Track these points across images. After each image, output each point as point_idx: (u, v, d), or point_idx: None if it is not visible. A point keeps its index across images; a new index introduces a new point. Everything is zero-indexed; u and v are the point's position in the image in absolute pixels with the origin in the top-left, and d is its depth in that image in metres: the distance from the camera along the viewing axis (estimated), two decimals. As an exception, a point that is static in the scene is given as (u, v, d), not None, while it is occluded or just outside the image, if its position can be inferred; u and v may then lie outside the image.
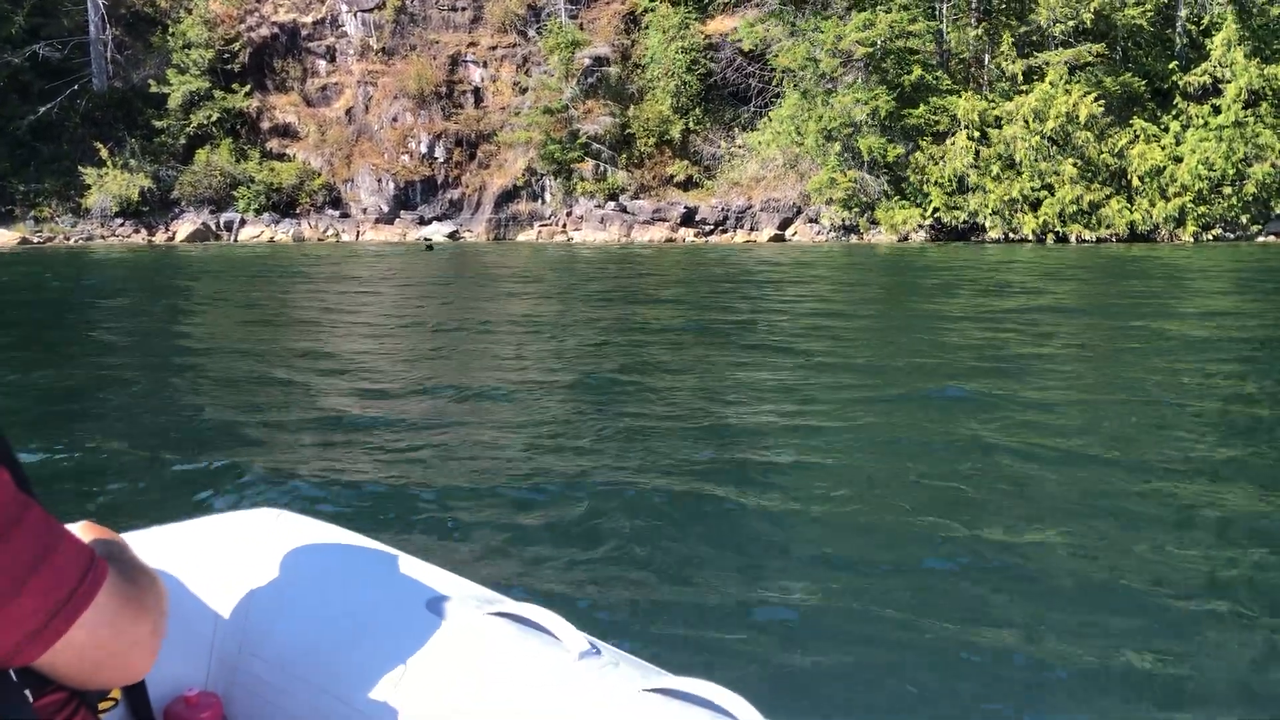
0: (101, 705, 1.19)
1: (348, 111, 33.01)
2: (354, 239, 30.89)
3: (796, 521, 4.68)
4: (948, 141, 30.04)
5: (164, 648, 1.13)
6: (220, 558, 1.64)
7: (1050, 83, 29.76)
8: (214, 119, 31.51)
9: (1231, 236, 30.04)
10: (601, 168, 31.49)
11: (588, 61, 32.25)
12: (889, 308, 14.36)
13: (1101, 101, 29.45)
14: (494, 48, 33.58)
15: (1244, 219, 30.16)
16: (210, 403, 7.48)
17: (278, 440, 6.23)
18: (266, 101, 32.88)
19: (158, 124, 31.16)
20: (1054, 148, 29.52)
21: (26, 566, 0.98)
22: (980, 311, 13.05)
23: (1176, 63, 31.77)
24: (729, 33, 32.53)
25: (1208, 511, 4.76)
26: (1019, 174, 29.52)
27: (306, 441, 6.18)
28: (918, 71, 30.15)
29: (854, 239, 29.80)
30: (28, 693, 1.02)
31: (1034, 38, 31.45)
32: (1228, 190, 29.80)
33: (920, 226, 29.74)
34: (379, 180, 31.83)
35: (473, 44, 33.56)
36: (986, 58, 31.73)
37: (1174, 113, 31.20)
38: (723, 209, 30.83)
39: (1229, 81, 30.30)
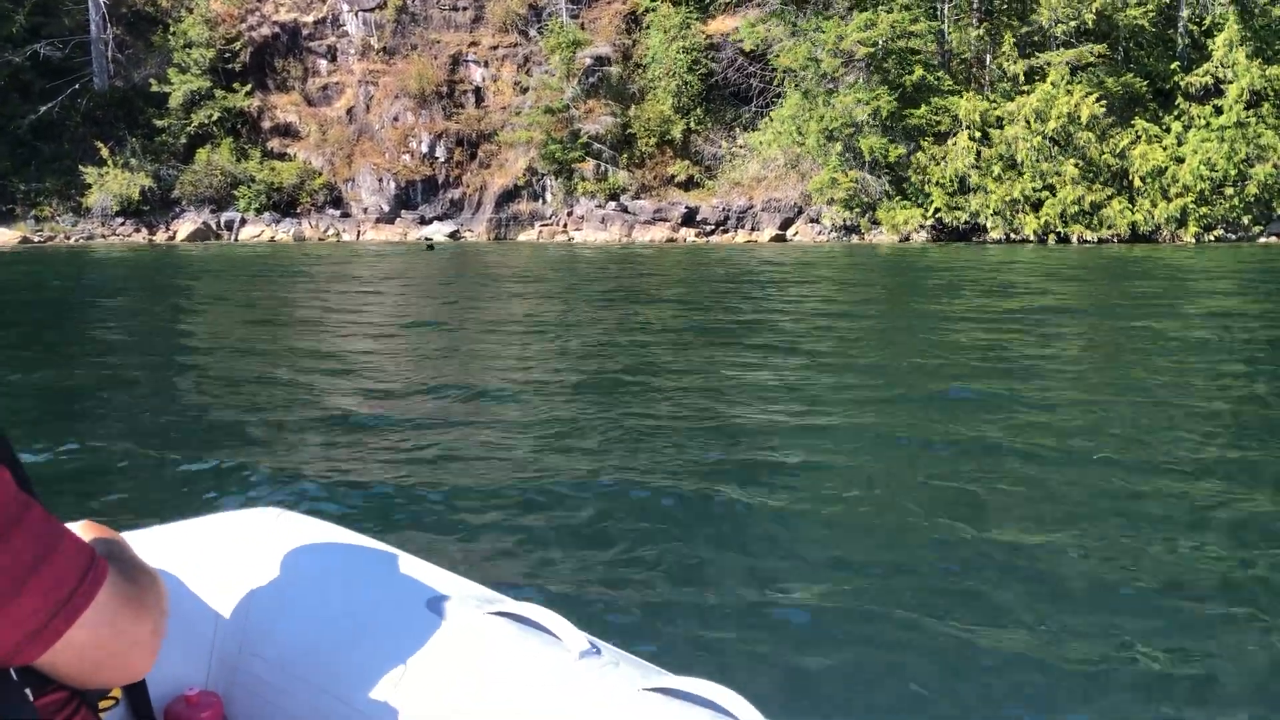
0: (102, 704, 1.19)
1: (349, 111, 33.02)
2: (354, 239, 30.90)
3: (800, 521, 4.68)
4: (949, 142, 30.04)
5: (164, 647, 1.13)
6: (221, 557, 1.64)
7: (1052, 83, 29.76)
8: (215, 118, 31.54)
9: (1233, 237, 30.04)
10: (602, 168, 31.49)
11: (589, 61, 32.26)
12: (892, 308, 14.35)
13: (1103, 102, 29.44)
14: (495, 47, 33.59)
15: (1246, 220, 30.17)
16: (211, 402, 7.49)
17: (278, 439, 6.23)
18: (267, 101, 32.90)
19: (158, 123, 31.18)
20: (1055, 148, 29.52)
21: (27, 566, 0.97)
22: (984, 312, 13.04)
23: (1178, 63, 31.77)
24: (730, 32, 32.53)
25: (1219, 512, 4.75)
26: (1020, 174, 29.52)
27: (307, 441, 6.18)
28: (919, 72, 30.15)
29: (855, 239, 29.80)
30: (28, 692, 1.02)
31: (1035, 38, 31.46)
32: (1229, 191, 29.80)
33: (921, 227, 29.74)
34: (380, 180, 31.84)
35: (474, 43, 33.57)
36: (988, 58, 31.73)
37: (1176, 113, 31.21)
38: (724, 209, 30.83)
39: (1231, 82, 30.30)
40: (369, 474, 5.40)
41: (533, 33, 33.45)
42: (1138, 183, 29.89)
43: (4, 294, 15.98)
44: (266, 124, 32.65)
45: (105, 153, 29.77)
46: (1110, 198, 29.61)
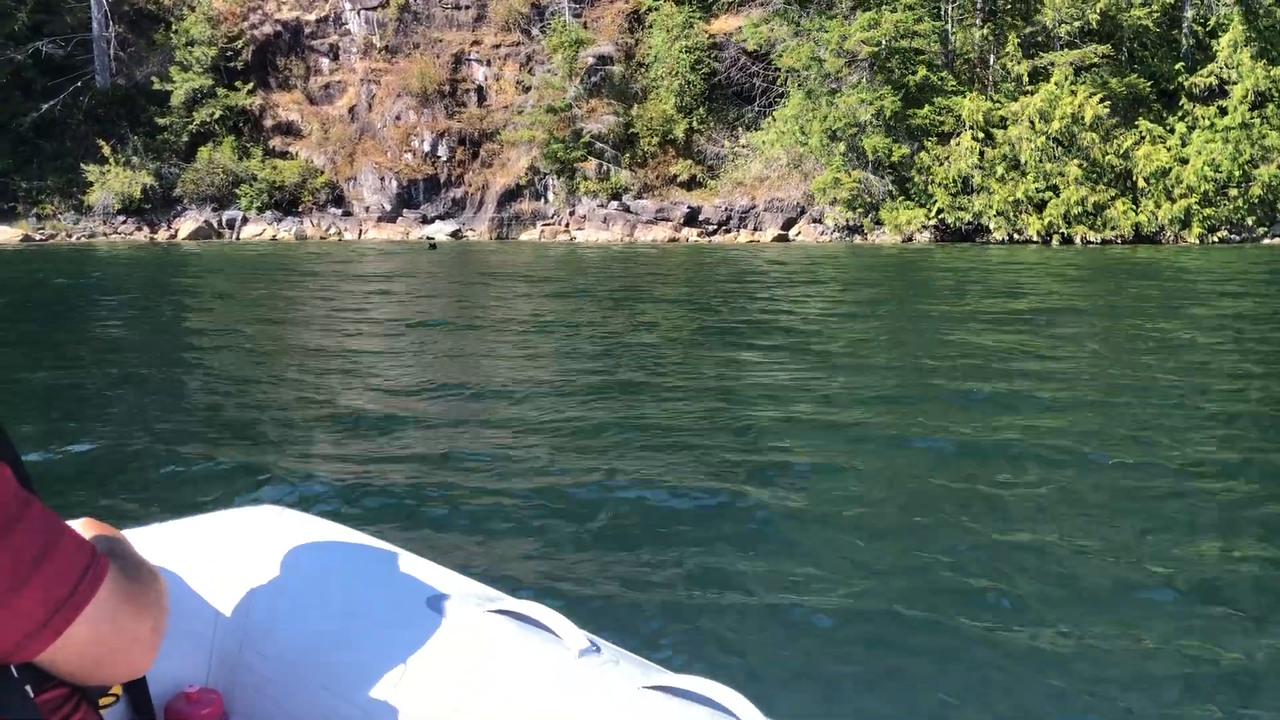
0: (102, 701, 1.19)
1: (350, 109, 33.02)
2: (356, 237, 30.91)
3: (813, 522, 4.66)
4: (952, 142, 30.02)
5: (165, 644, 1.13)
6: (221, 555, 1.64)
7: (1055, 83, 29.72)
8: (217, 116, 31.55)
9: (1237, 239, 30.00)
10: (605, 167, 31.49)
11: (591, 60, 32.25)
12: (900, 308, 14.33)
13: (1107, 103, 29.41)
14: (497, 46, 33.58)
15: (1250, 221, 30.13)
16: (213, 400, 7.49)
17: (279, 438, 6.23)
18: (269, 99, 32.91)
19: (160, 121, 31.20)
20: (1059, 149, 29.50)
21: (28, 564, 0.97)
22: (991, 312, 13.03)
23: (1183, 64, 31.74)
24: (733, 32, 32.52)
25: (1242, 512, 4.74)
26: (1024, 175, 29.50)
27: (309, 439, 6.19)
28: (922, 72, 30.13)
29: (858, 239, 29.79)
30: (29, 688, 1.02)
31: (1039, 38, 31.43)
32: (1233, 192, 29.76)
33: (924, 227, 29.72)
34: (381, 179, 31.85)
35: (476, 42, 33.57)
36: (992, 58, 31.71)
37: (1180, 114, 31.18)
38: (726, 209, 30.82)
39: (1235, 83, 30.28)
40: (371, 472, 5.40)
41: (535, 31, 33.44)
42: (1141, 184, 29.87)
43: (7, 292, 16.00)
44: (268, 122, 32.66)
45: (107, 151, 29.78)
46: (1114, 199, 29.58)
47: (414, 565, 1.60)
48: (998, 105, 30.34)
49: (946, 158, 29.87)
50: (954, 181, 29.70)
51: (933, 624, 3.50)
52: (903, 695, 3.13)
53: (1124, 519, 4.64)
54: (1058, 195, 29.31)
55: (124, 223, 30.05)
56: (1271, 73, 30.18)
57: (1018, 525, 4.56)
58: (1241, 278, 19.04)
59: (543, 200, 31.94)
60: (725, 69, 32.61)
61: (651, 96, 32.64)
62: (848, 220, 29.97)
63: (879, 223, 29.97)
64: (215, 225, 30.56)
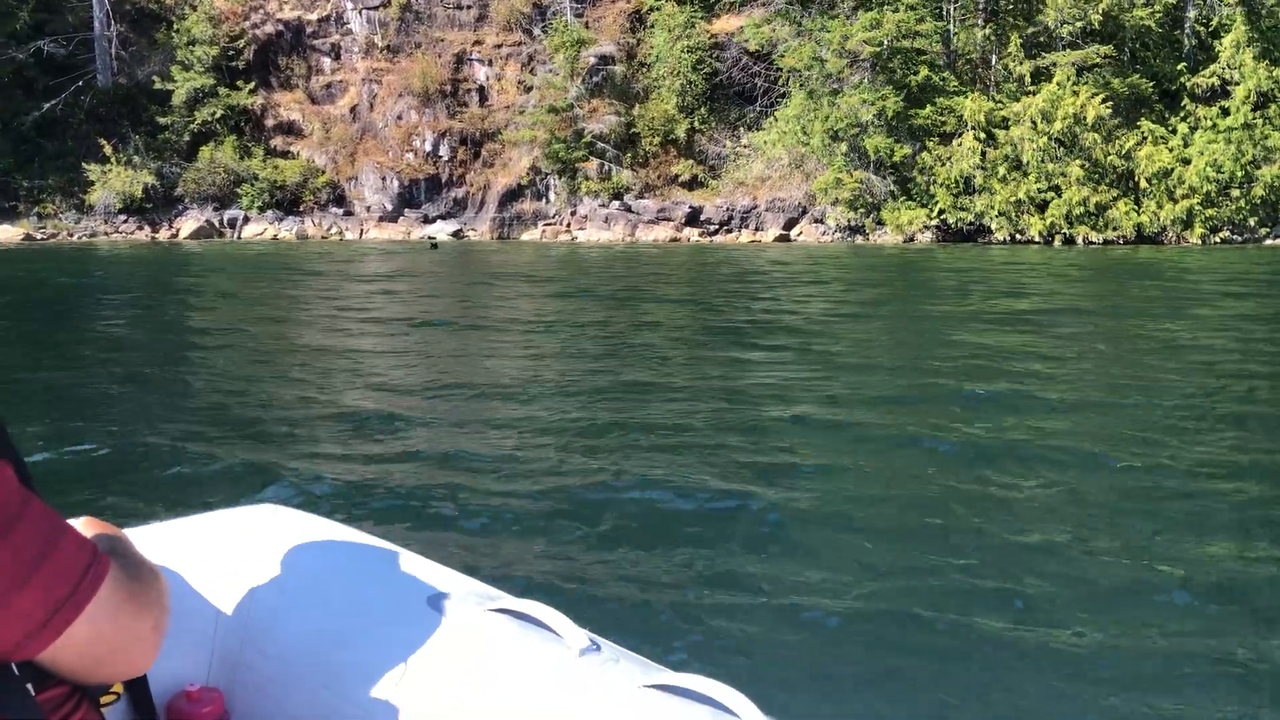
0: (103, 699, 1.19)
1: (352, 109, 33.04)
2: (358, 237, 30.92)
3: (818, 521, 4.66)
4: (954, 142, 30.01)
5: (166, 643, 1.12)
6: (222, 553, 1.64)
7: (1058, 84, 29.71)
8: (218, 116, 31.56)
9: (1239, 239, 29.98)
10: (606, 167, 31.49)
11: (593, 60, 32.25)
12: (903, 308, 14.32)
13: (1109, 103, 29.40)
14: (499, 46, 33.59)
15: (1252, 221, 30.11)
16: (215, 400, 7.49)
17: (282, 437, 6.24)
18: (271, 99, 32.92)
19: (162, 120, 31.22)
20: (1061, 149, 29.49)
21: (29, 562, 0.97)
22: (994, 312, 13.03)
23: (1185, 64, 31.72)
24: (735, 32, 32.51)
25: (1250, 512, 4.74)
26: (1026, 175, 29.49)
27: (312, 439, 6.19)
28: (924, 72, 30.12)
29: (859, 240, 29.78)
30: (30, 687, 1.02)
31: (1041, 38, 31.41)
32: (1236, 193, 29.74)
33: (926, 227, 29.71)
34: (383, 178, 31.86)
35: (478, 42, 33.57)
36: (994, 58, 31.69)
37: (1182, 114, 31.16)
38: (728, 209, 30.82)
39: (1238, 83, 30.26)
40: (372, 471, 5.40)
41: (537, 31, 33.44)
42: (1143, 184, 29.85)
43: (8, 291, 16.01)
44: (270, 122, 32.67)
45: (108, 150, 29.80)
46: (1116, 199, 29.57)
47: (414, 564, 1.60)
48: (1000, 105, 30.33)
49: (948, 158, 29.86)
50: (956, 182, 29.69)
51: (938, 625, 3.50)
52: (907, 696, 3.13)
53: (1132, 520, 4.62)
54: (1060, 196, 29.30)
55: (125, 222, 30.06)
56: (1274, 73, 30.16)
57: (1025, 526, 4.55)
58: (1244, 278, 19.02)
59: (544, 200, 31.94)
60: (727, 69, 32.60)
61: (653, 96, 32.63)
62: (849, 220, 29.96)
63: (881, 223, 29.96)
64: (216, 225, 30.57)
